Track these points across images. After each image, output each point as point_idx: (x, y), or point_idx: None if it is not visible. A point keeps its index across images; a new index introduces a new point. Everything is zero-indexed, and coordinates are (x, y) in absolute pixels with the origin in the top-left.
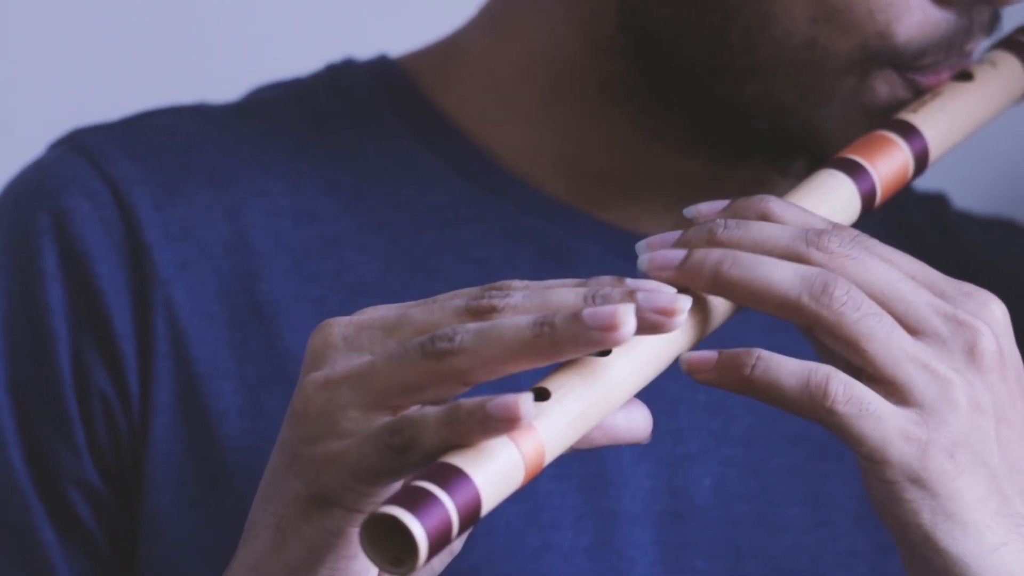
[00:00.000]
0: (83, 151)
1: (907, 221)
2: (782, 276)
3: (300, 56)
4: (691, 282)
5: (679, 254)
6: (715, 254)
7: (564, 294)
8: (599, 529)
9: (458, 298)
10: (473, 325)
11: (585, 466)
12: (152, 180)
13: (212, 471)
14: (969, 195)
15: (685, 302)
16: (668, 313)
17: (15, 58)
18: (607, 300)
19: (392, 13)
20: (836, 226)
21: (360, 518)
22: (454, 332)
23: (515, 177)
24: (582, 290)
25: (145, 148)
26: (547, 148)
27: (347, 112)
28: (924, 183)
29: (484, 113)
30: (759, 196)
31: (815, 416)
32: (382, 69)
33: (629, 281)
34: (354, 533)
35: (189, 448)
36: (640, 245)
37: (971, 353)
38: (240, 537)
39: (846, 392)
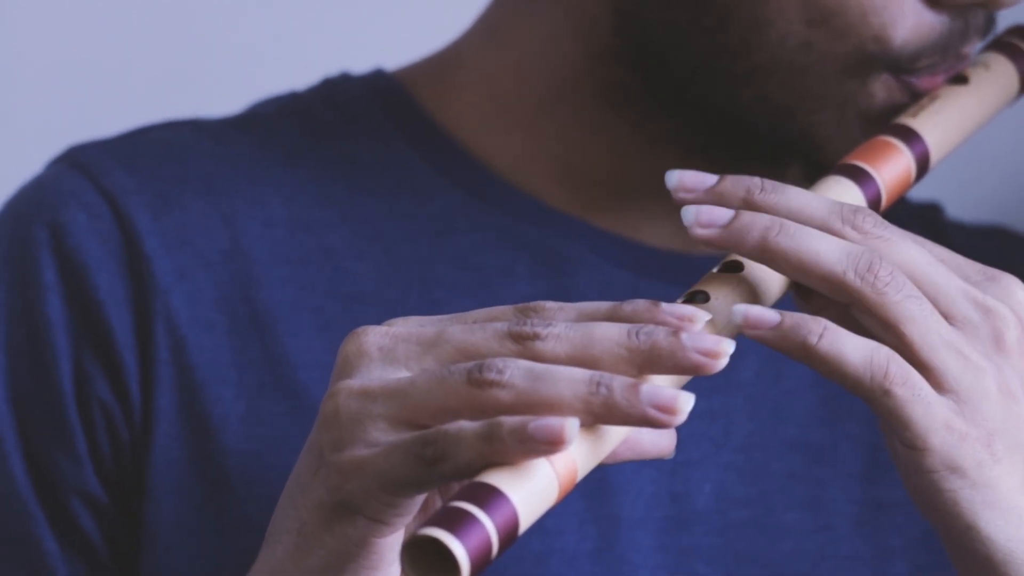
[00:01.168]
0: (79, 166)
1: None
2: (829, 249)
3: (296, 71)
4: (736, 245)
5: (727, 213)
6: (763, 219)
7: (607, 330)
8: (602, 534)
9: (499, 320)
10: (524, 363)
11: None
12: (149, 191)
13: (213, 477)
14: (965, 203)
15: (729, 345)
16: (713, 355)
17: (15, 58)
18: (651, 336)
19: (388, 28)
20: (860, 209)
21: (382, 529)
22: (505, 365)
23: (512, 186)
24: (625, 326)
25: (141, 160)
26: (545, 156)
27: (343, 124)
28: (920, 191)
29: (482, 122)
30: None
31: (869, 395)
32: (378, 82)
33: (664, 307)
34: (376, 544)
35: (190, 455)
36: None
37: (998, 340)
38: (240, 542)
39: (903, 375)
